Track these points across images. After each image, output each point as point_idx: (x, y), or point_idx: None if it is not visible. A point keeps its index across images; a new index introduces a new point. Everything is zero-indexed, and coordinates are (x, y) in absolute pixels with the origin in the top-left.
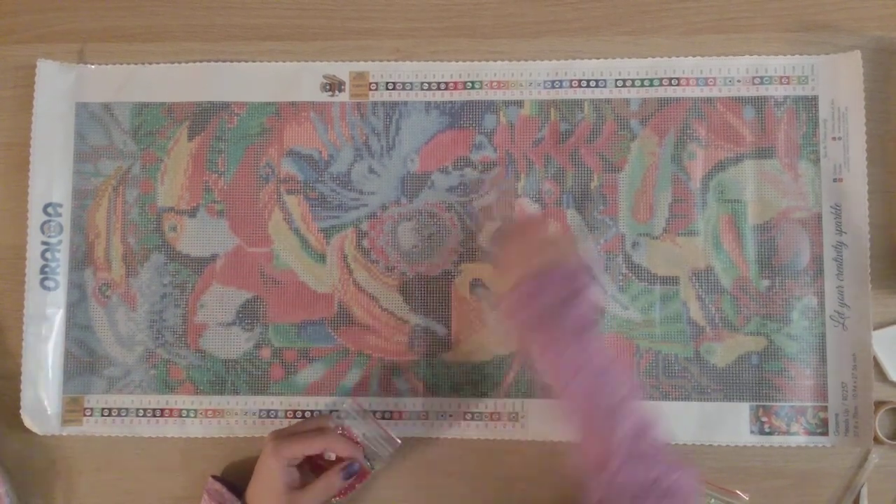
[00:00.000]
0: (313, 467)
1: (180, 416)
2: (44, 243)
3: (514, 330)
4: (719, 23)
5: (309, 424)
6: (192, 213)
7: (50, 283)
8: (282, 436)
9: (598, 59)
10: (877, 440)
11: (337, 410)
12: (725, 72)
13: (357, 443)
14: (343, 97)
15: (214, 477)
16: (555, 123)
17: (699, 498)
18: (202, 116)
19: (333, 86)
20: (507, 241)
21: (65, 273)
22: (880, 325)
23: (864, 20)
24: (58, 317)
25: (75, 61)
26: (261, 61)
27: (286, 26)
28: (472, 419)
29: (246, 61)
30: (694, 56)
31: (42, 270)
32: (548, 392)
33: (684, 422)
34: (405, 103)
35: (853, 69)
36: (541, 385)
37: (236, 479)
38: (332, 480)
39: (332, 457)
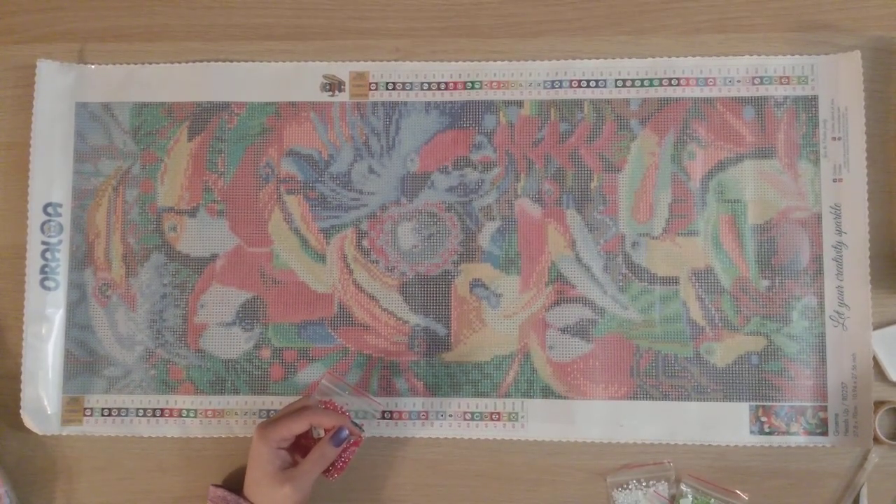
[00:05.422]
0: (305, 454)
1: (180, 416)
2: (44, 243)
3: None
4: (719, 23)
5: (292, 407)
6: (192, 212)
7: (50, 283)
8: (267, 422)
9: (598, 59)
10: (876, 440)
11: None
12: (725, 72)
13: (342, 413)
14: (343, 97)
15: (215, 485)
16: (555, 123)
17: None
18: (202, 116)
19: (333, 86)
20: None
21: (65, 273)
22: (880, 325)
23: (864, 20)
24: (58, 317)
25: (75, 61)
26: (261, 61)
27: (286, 26)
28: (472, 419)
29: (246, 61)
30: (694, 56)
31: (42, 270)
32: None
33: (684, 422)
34: (405, 103)
35: (853, 69)
36: (542, 385)
37: (236, 484)
38: (324, 450)
39: (321, 434)
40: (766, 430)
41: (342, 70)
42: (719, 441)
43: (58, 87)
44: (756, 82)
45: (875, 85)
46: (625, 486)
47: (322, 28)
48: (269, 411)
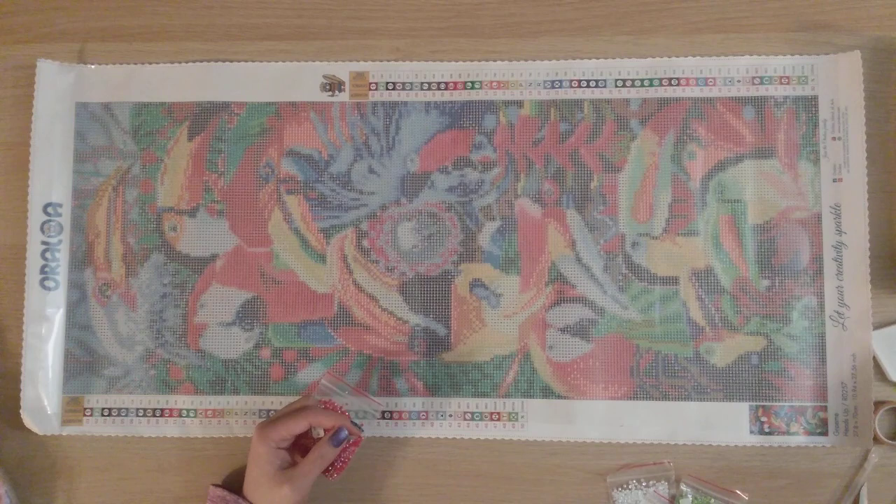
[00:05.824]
0: (305, 454)
1: (180, 416)
2: (44, 243)
3: None
4: (719, 23)
5: (292, 407)
6: (192, 212)
7: (50, 283)
8: (267, 422)
9: (598, 59)
10: (876, 440)
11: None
12: (725, 72)
13: (342, 413)
14: (343, 97)
15: (214, 485)
16: (555, 123)
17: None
18: (202, 116)
19: (333, 86)
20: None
21: (65, 273)
22: (880, 325)
23: (864, 20)
24: (58, 317)
25: (75, 61)
26: (261, 61)
27: (286, 26)
28: (472, 419)
29: (246, 61)
30: (694, 56)
31: (42, 270)
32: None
33: (684, 422)
34: (405, 103)
35: (853, 69)
36: (542, 385)
37: (236, 484)
38: (324, 450)
39: (321, 433)
40: (766, 430)
41: (342, 70)
42: (719, 441)
43: (58, 87)
44: (756, 82)
45: (875, 85)
46: (625, 486)
47: (322, 28)
48: (268, 411)
